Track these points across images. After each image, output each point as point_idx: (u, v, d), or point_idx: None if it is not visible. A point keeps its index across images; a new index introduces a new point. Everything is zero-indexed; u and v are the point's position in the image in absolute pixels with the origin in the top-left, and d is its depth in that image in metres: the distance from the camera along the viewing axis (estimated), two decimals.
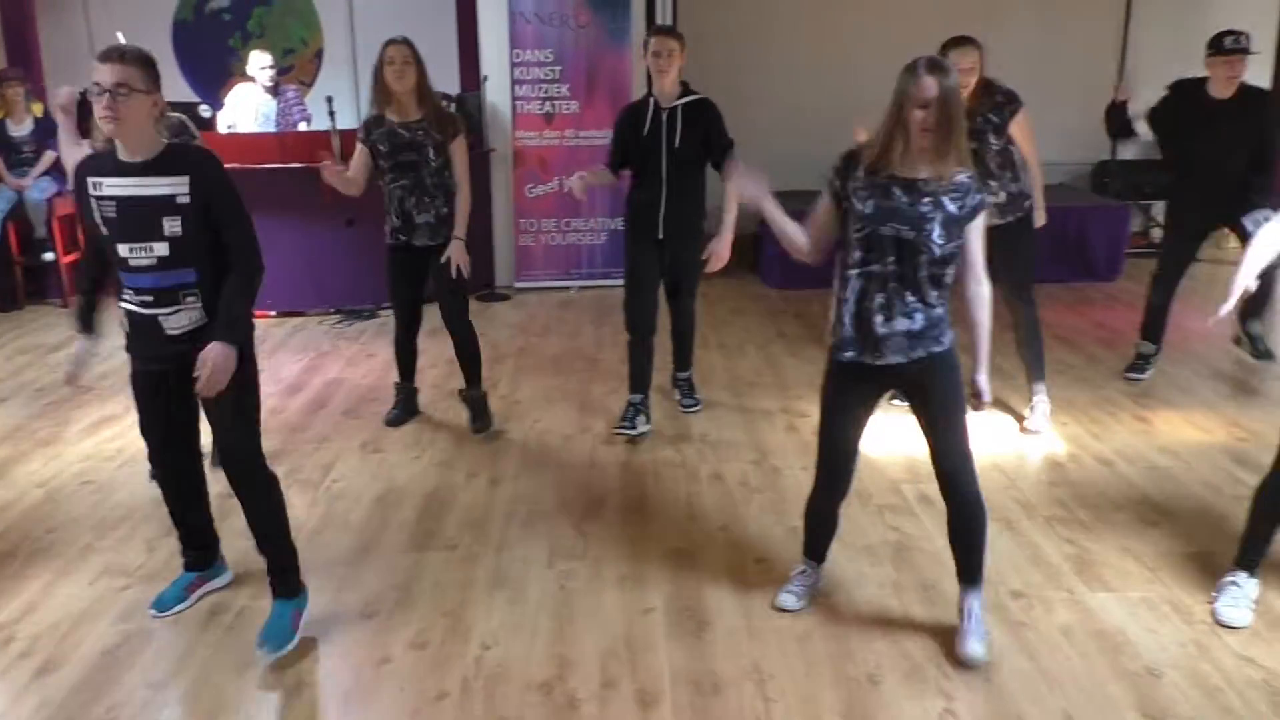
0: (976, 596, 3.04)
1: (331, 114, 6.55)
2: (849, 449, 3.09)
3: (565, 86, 7.51)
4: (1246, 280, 3.16)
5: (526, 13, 7.40)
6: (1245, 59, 4.87)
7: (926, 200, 2.77)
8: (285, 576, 3.15)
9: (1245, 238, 5.17)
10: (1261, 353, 5.41)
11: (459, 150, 4.60)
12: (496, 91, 7.55)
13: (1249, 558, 3.19)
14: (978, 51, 4.46)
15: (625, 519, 3.90)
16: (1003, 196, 4.56)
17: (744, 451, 4.55)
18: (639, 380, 4.80)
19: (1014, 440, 4.58)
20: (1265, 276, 5.29)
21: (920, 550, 3.60)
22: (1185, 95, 5.07)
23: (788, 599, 3.22)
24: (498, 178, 7.73)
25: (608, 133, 7.19)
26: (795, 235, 3.06)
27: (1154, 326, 5.40)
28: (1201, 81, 5.01)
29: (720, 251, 4.57)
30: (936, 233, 2.77)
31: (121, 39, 3.61)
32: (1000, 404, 4.93)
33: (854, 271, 2.87)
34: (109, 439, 4.76)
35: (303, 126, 7.41)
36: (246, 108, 7.26)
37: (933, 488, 3.98)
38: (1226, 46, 4.85)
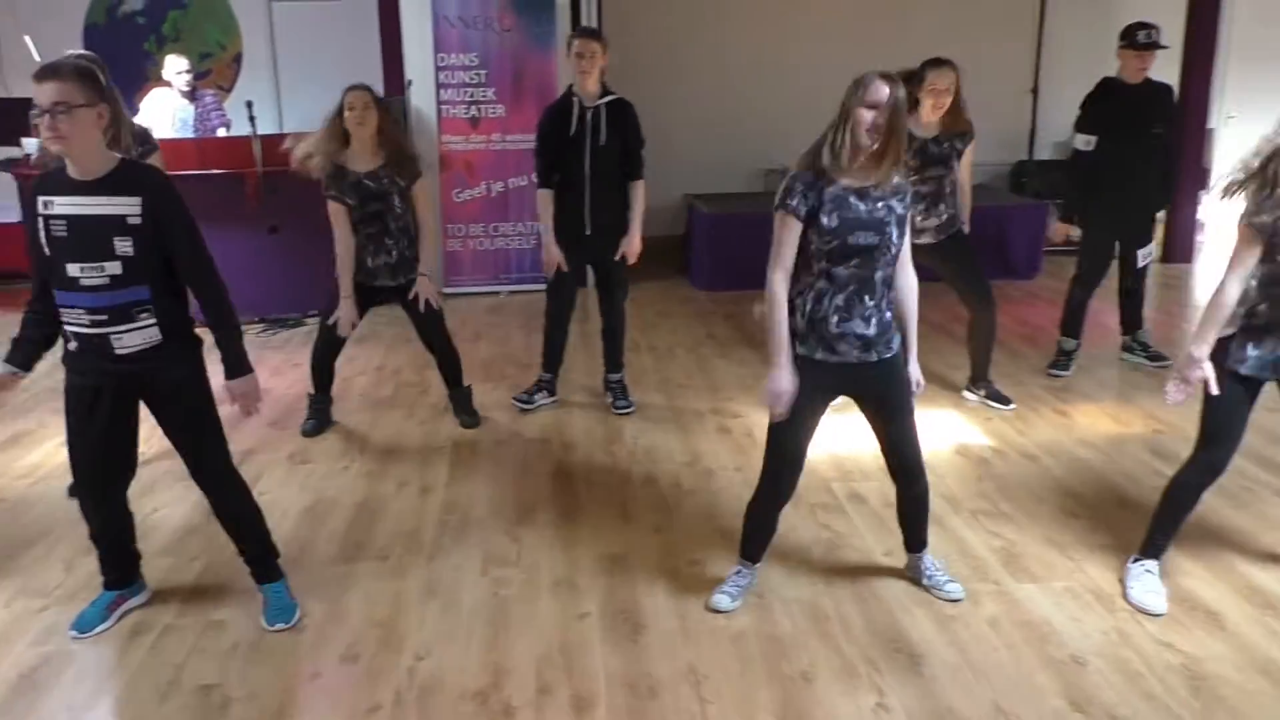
0: (927, 554, 3.35)
1: (252, 119, 6.45)
2: (798, 451, 3.12)
3: (491, 90, 7.47)
4: (1201, 355, 3.04)
5: (450, 16, 7.35)
6: (1155, 53, 5.07)
7: (880, 205, 2.91)
8: (268, 562, 3.29)
9: (1131, 269, 5.39)
10: (1154, 356, 5.57)
11: (422, 192, 4.65)
12: (421, 96, 7.48)
13: (1157, 546, 3.28)
14: (955, 73, 4.61)
15: (558, 524, 3.89)
16: (945, 217, 4.77)
17: (676, 454, 4.56)
18: (551, 359, 5.09)
19: (941, 437, 4.66)
20: (1134, 288, 5.48)
21: (851, 548, 3.65)
22: (1105, 88, 5.27)
23: (722, 600, 3.24)
24: (428, 204, 7.63)
25: (535, 136, 7.20)
26: (786, 318, 2.99)
27: (1074, 323, 5.54)
28: (1113, 78, 5.24)
29: (633, 246, 4.83)
30: (895, 234, 2.93)
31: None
32: (927, 400, 5.02)
33: (814, 278, 2.96)
34: (21, 455, 4.61)
35: (222, 132, 7.26)
36: (163, 114, 7.08)
37: (864, 486, 4.07)
38: (1140, 40, 5.05)
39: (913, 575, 3.38)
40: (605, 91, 4.72)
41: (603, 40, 4.68)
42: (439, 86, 7.43)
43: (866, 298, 2.95)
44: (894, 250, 2.94)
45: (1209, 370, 3.03)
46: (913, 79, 4.57)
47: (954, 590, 3.27)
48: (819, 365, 3.00)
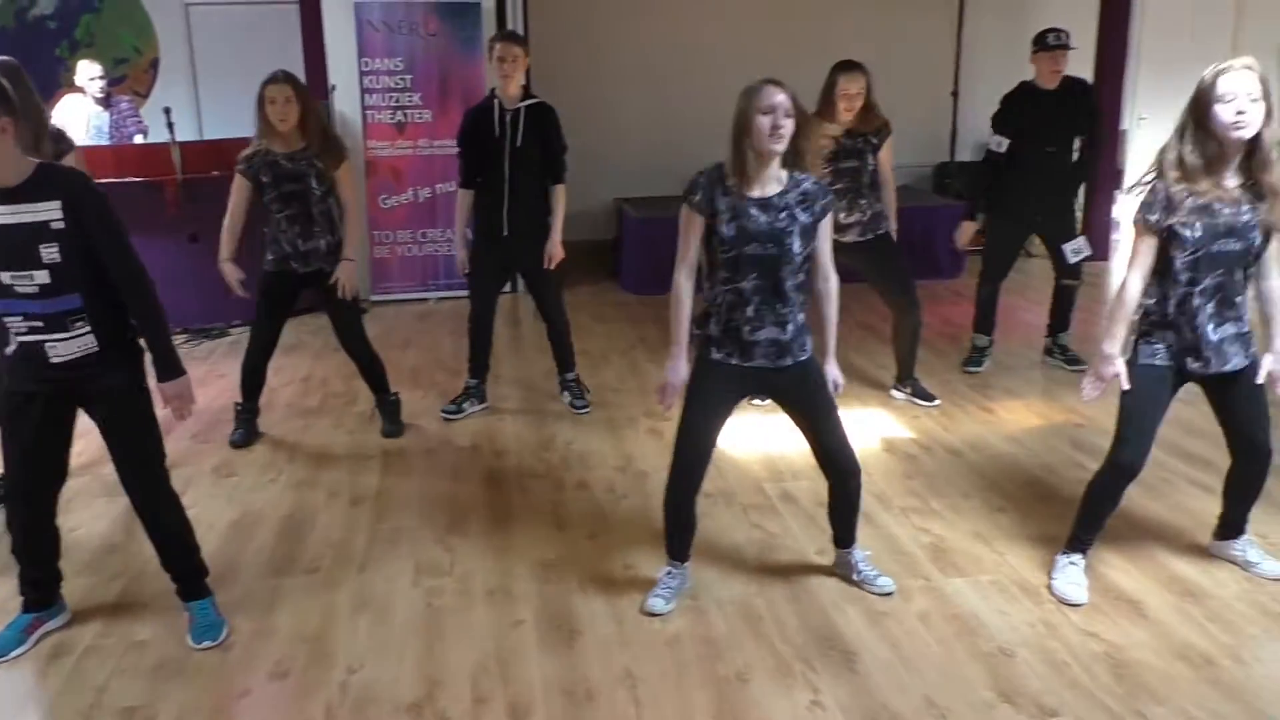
0: (856, 549, 3.39)
1: (170, 125, 6.32)
2: (707, 444, 3.15)
3: (417, 95, 7.40)
4: (1112, 351, 3.15)
5: (375, 20, 7.27)
6: (1067, 54, 5.22)
7: (783, 215, 2.94)
8: (197, 579, 3.23)
9: (1063, 267, 5.50)
10: (1072, 360, 5.68)
11: (345, 175, 4.57)
12: (346, 101, 7.38)
13: (1081, 541, 3.36)
14: (865, 77, 4.72)
15: (492, 531, 3.86)
16: (868, 215, 4.83)
17: (609, 458, 4.56)
18: (478, 365, 5.07)
19: (869, 435, 4.72)
20: (1066, 291, 5.61)
21: (784, 547, 3.68)
22: (1018, 93, 5.38)
23: (657, 603, 3.24)
24: (354, 189, 7.53)
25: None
26: (688, 315, 3.14)
27: (985, 320, 5.65)
28: (1028, 82, 5.36)
29: (553, 251, 4.85)
30: (796, 245, 2.95)
31: None
32: (855, 400, 5.08)
33: (723, 288, 3.02)
34: None
35: (139, 139, 7.09)
36: (76, 120, 6.89)
37: (795, 485, 4.10)
38: (1050, 43, 5.21)
39: (842, 572, 3.42)
40: (527, 95, 4.75)
41: (524, 44, 4.73)
42: (364, 91, 7.34)
43: (778, 305, 3.00)
44: (796, 261, 2.97)
45: (1121, 366, 3.12)
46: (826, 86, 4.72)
47: (884, 584, 3.32)
48: (735, 369, 3.07)
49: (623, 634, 3.13)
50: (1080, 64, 8.30)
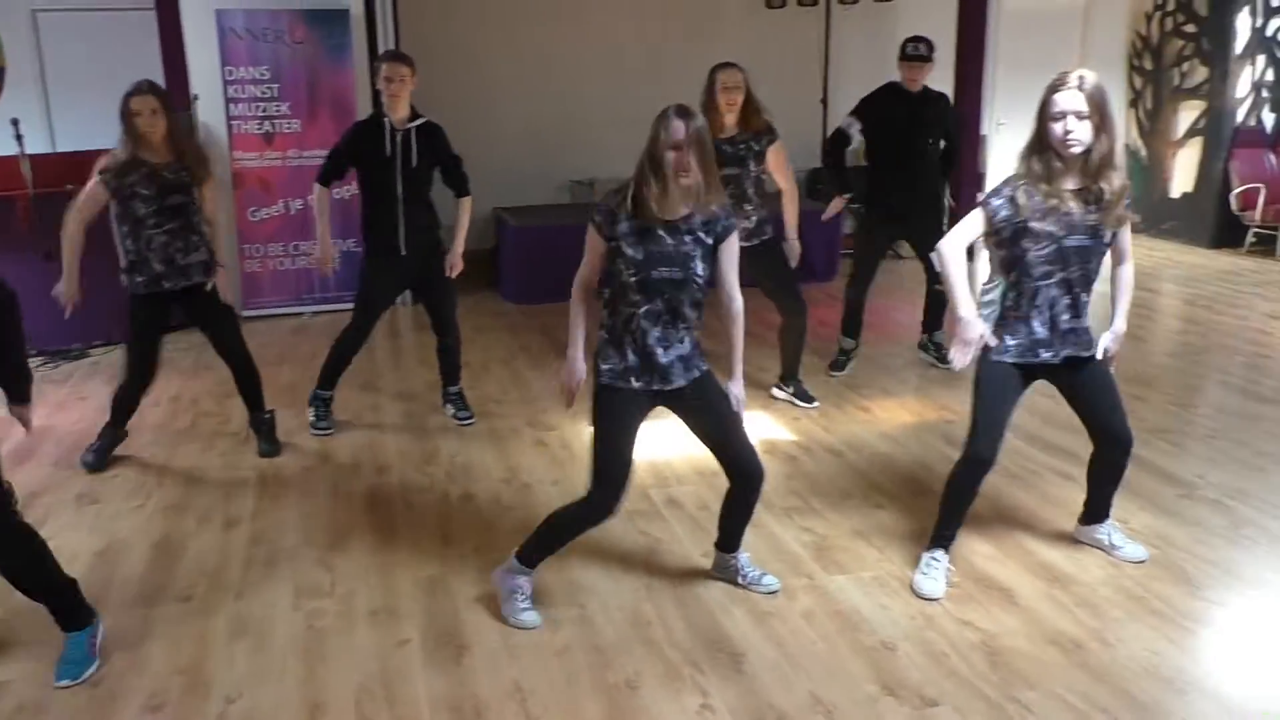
0: (742, 553, 3.43)
1: (19, 137, 6.03)
2: (629, 464, 3.13)
3: (285, 105, 7.22)
4: (969, 315, 3.27)
5: (237, 28, 7.06)
6: (925, 66, 5.40)
7: (688, 239, 2.98)
8: (72, 613, 3.07)
9: (934, 273, 5.66)
10: (944, 359, 5.89)
11: (211, 192, 4.47)
12: (209, 111, 7.14)
13: (943, 538, 3.46)
14: (742, 73, 4.78)
15: (374, 549, 3.78)
16: (753, 221, 4.89)
17: (494, 470, 4.51)
18: (334, 378, 5.01)
19: (751, 438, 4.77)
20: (937, 296, 5.79)
21: (670, 553, 3.70)
22: (884, 91, 5.56)
23: (532, 616, 3.22)
24: (217, 201, 7.31)
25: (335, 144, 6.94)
26: (585, 326, 3.18)
27: (853, 323, 5.77)
28: (894, 83, 5.54)
29: (454, 261, 4.85)
30: (700, 268, 3.01)
31: None
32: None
33: (632, 310, 3.02)
34: None
35: None
36: None
37: (680, 491, 4.13)
38: (909, 53, 5.40)
39: (725, 576, 3.45)
40: (414, 114, 4.72)
41: (410, 64, 4.68)
42: (228, 101, 7.13)
43: (680, 325, 3.05)
44: (699, 283, 3.02)
45: (981, 325, 3.25)
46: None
47: (770, 583, 3.38)
48: (642, 394, 3.08)
49: (511, 647, 3.10)
50: (941, 71, 8.60)
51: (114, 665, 3.05)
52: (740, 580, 3.40)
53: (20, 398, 3.08)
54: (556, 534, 3.24)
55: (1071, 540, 3.69)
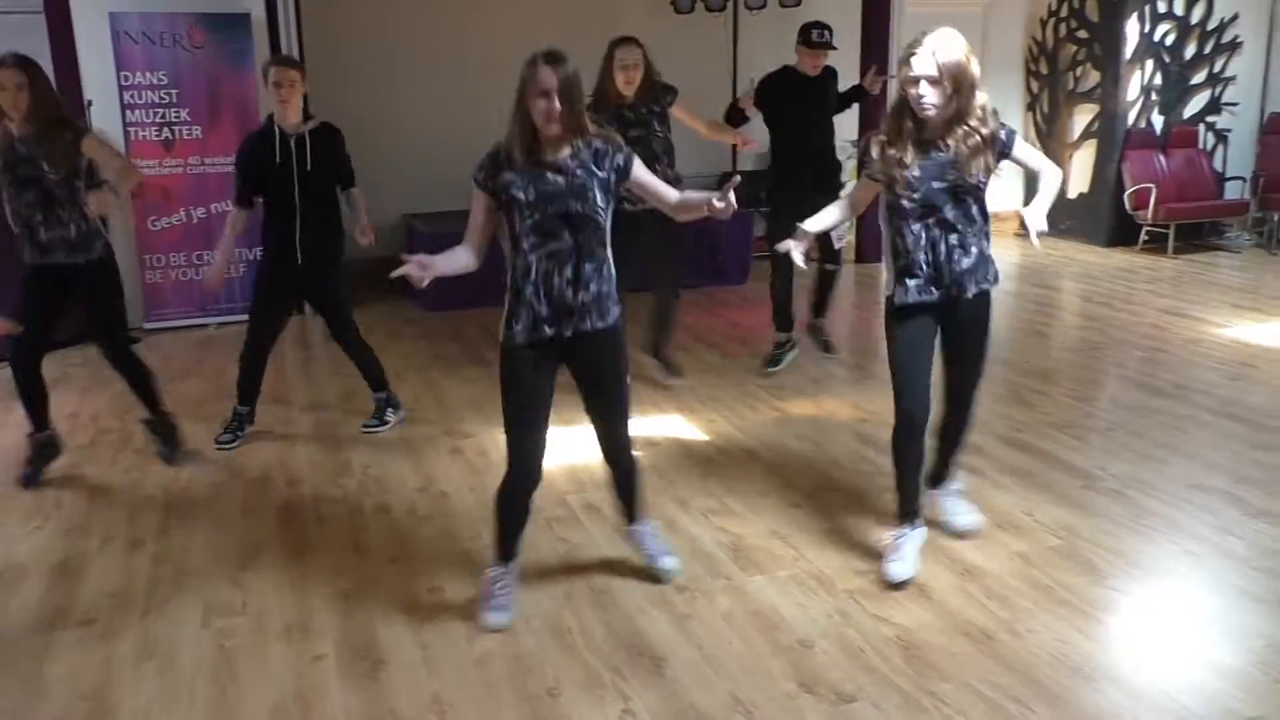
0: (645, 523, 3.51)
1: None
2: (544, 433, 3.13)
3: (185, 111, 7.02)
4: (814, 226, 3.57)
5: (133, 31, 6.85)
6: (827, 53, 5.51)
7: (580, 172, 2.96)
8: None
9: (826, 251, 5.75)
10: (826, 346, 5.99)
11: (92, 147, 4.25)
12: (104, 117, 6.91)
13: (907, 511, 3.52)
14: (640, 48, 4.94)
15: (287, 564, 3.70)
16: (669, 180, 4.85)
17: (409, 479, 4.45)
18: (250, 391, 4.92)
19: (665, 439, 4.80)
20: (827, 276, 5.84)
21: (589, 558, 3.69)
22: (781, 75, 5.67)
23: (500, 617, 3.19)
24: (114, 211, 7.10)
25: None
26: (459, 261, 3.10)
27: (781, 316, 5.82)
28: (790, 67, 5.66)
29: (365, 232, 4.75)
30: (600, 199, 2.98)
31: None
32: (650, 405, 5.17)
33: (533, 255, 2.97)
34: None
35: None
36: None
37: (597, 495, 4.12)
38: (813, 39, 5.48)
39: (635, 552, 3.51)
40: (308, 118, 4.64)
41: (300, 67, 4.62)
42: (125, 107, 6.91)
43: (588, 263, 3.00)
44: (601, 215, 2.99)
45: (805, 239, 3.50)
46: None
47: (668, 564, 3.45)
48: (546, 346, 3.04)
49: (429, 659, 3.06)
50: (847, 62, 8.77)
51: (11, 695, 2.93)
52: (644, 560, 3.47)
53: None
54: (503, 514, 3.24)
55: (981, 533, 3.77)
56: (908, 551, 3.47)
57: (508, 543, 3.27)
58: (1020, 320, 6.91)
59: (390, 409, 5.12)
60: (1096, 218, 9.63)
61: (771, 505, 4.10)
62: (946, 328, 3.47)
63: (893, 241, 3.42)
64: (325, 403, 5.55)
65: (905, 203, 3.32)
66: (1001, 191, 3.65)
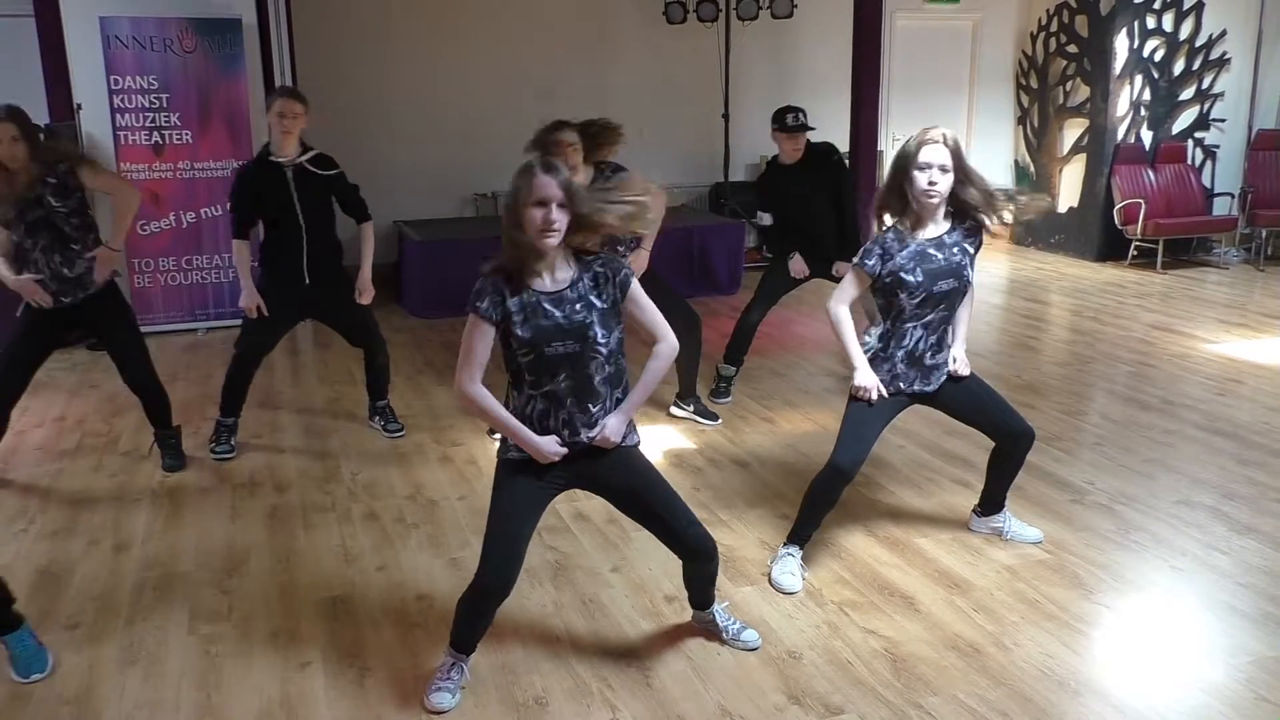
0: (716, 607, 3.21)
1: None
2: (523, 546, 2.84)
3: (175, 115, 7.01)
4: (863, 367, 3.48)
5: (123, 36, 6.83)
6: (804, 134, 5.31)
7: (579, 306, 2.71)
8: (5, 621, 3.03)
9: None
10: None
11: (90, 174, 4.30)
12: (94, 122, 6.90)
13: (800, 536, 3.59)
14: (575, 130, 4.57)
15: (274, 571, 3.68)
16: (624, 254, 4.74)
17: (398, 487, 4.44)
18: (235, 404, 4.87)
19: (656, 451, 4.79)
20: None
21: (578, 568, 3.68)
22: (771, 168, 5.51)
23: (445, 700, 2.85)
24: (103, 214, 7.06)
25: (227, 163, 6.82)
26: (501, 412, 2.82)
27: (738, 347, 5.60)
28: (775, 158, 5.47)
29: (364, 288, 4.80)
30: (600, 335, 2.72)
31: None
32: (640, 417, 5.16)
33: (531, 393, 2.77)
34: None
35: None
36: None
37: (587, 505, 4.11)
38: (789, 124, 5.27)
39: (706, 629, 3.22)
40: (305, 148, 4.63)
41: (304, 101, 4.60)
42: (114, 111, 6.88)
43: (590, 404, 2.77)
44: (604, 353, 2.74)
45: (874, 378, 3.44)
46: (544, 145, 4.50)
47: (749, 638, 3.14)
48: (555, 467, 2.82)
49: (416, 667, 3.05)
50: (839, 90, 8.79)
51: None
52: (725, 637, 3.15)
53: None
54: (467, 618, 2.90)
55: (970, 548, 3.78)
56: (793, 566, 3.54)
57: (466, 639, 2.92)
58: (1009, 334, 6.93)
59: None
60: (1085, 232, 9.68)
61: (761, 517, 4.10)
62: (939, 408, 3.62)
63: (880, 335, 3.53)
64: (314, 408, 5.53)
65: (904, 302, 3.39)
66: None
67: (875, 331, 3.56)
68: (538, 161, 2.69)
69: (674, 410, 5.30)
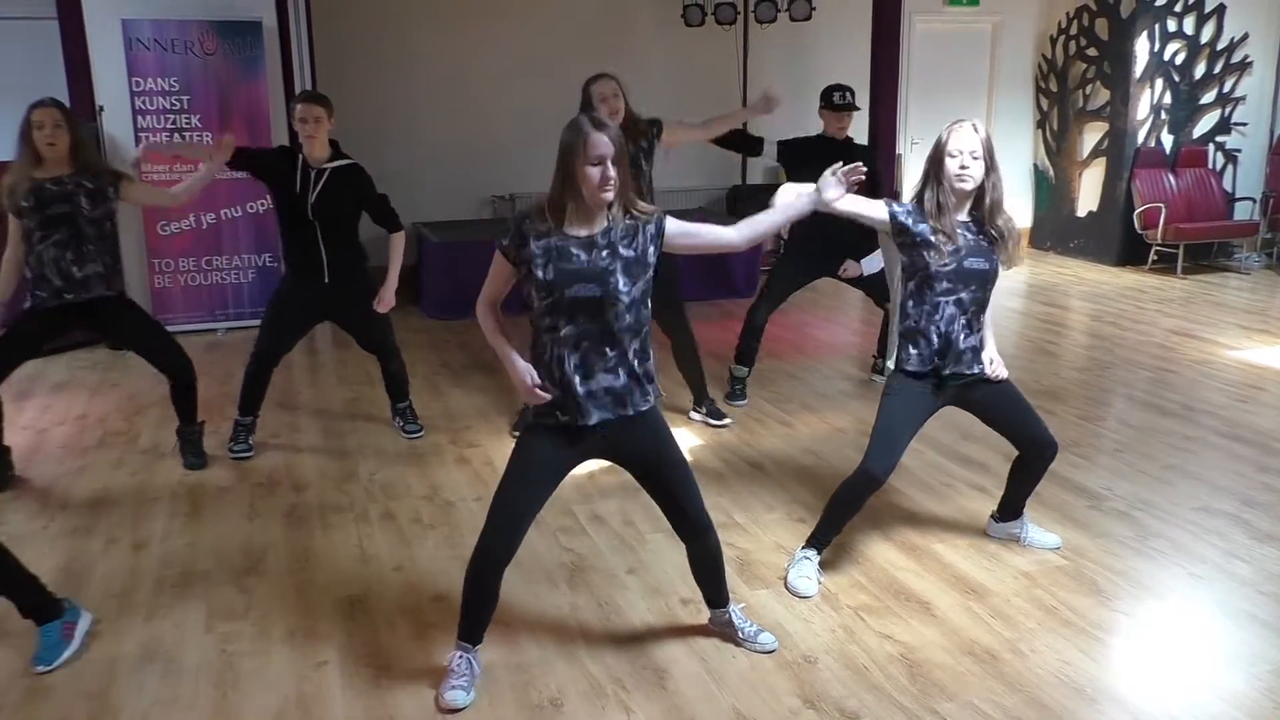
0: (733, 607, 3.20)
1: None
2: (529, 515, 2.87)
3: (195, 117, 7.05)
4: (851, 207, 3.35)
5: (144, 38, 6.88)
6: (851, 113, 5.36)
7: (605, 254, 2.73)
8: (40, 609, 3.14)
9: (879, 297, 5.62)
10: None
11: (133, 191, 4.43)
12: (115, 123, 6.95)
13: (820, 540, 3.57)
14: (615, 81, 4.68)
15: (292, 570, 3.70)
16: None
17: (415, 488, 4.46)
18: (254, 403, 4.88)
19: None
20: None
21: (595, 569, 3.68)
22: (809, 139, 5.48)
23: (459, 696, 2.86)
24: (124, 215, 7.10)
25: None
26: (500, 326, 2.90)
27: (748, 348, 5.60)
28: (819, 134, 5.46)
29: (385, 298, 4.78)
30: (622, 284, 2.72)
31: None
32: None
33: (549, 337, 2.77)
34: None
35: None
36: None
37: (604, 506, 4.12)
38: (835, 102, 5.33)
39: (724, 632, 3.21)
40: (336, 154, 4.63)
41: (325, 104, 4.59)
42: (136, 113, 6.94)
43: (607, 349, 2.76)
44: (625, 300, 2.72)
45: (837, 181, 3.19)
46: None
47: (766, 641, 3.14)
48: (565, 432, 2.81)
49: (432, 667, 3.05)
50: (857, 78, 8.75)
51: (12, 693, 2.94)
52: (739, 638, 3.15)
53: None
54: (470, 600, 2.91)
55: (987, 553, 3.77)
56: (809, 570, 3.52)
57: (472, 623, 2.93)
58: (1028, 339, 6.90)
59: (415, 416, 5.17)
60: (1105, 237, 9.63)
61: (777, 520, 4.10)
62: (969, 408, 3.58)
63: (903, 304, 3.48)
64: (332, 409, 5.56)
65: (935, 267, 3.34)
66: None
67: (900, 303, 3.48)
68: (587, 118, 2.72)
69: (691, 415, 5.30)
